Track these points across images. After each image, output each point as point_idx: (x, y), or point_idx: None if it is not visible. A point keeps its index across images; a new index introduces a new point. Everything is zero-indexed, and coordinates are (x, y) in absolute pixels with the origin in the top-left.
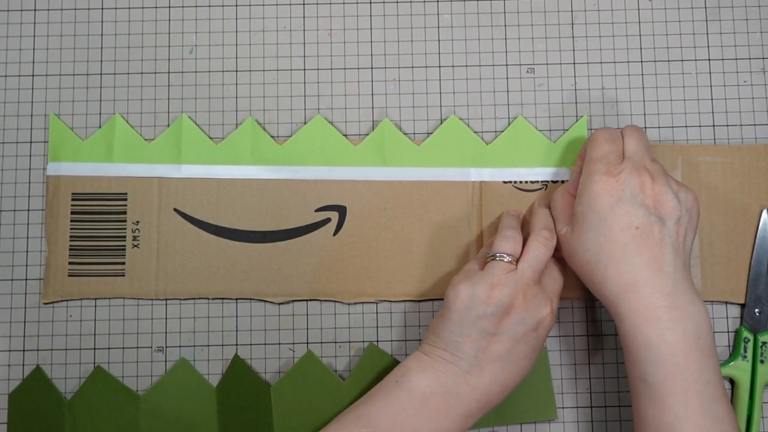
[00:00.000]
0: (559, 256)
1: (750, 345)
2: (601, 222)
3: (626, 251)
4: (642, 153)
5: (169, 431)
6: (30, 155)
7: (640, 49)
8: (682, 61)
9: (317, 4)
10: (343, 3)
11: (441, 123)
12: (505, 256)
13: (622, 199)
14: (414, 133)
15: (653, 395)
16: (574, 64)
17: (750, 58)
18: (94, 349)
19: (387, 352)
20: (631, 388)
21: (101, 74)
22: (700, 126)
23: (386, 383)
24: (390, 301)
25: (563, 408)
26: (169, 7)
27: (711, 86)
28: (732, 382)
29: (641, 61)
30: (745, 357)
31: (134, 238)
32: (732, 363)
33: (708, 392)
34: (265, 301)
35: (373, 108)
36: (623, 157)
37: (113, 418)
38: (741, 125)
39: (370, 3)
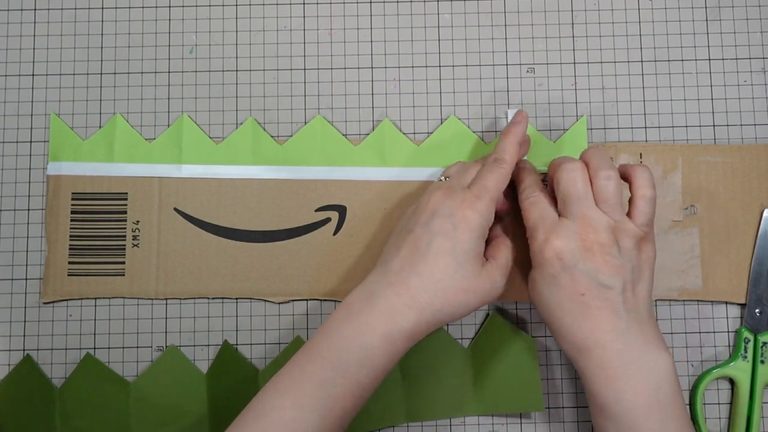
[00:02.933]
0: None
1: (750, 345)
2: (550, 288)
3: (575, 316)
4: (587, 202)
5: (159, 418)
6: (30, 155)
7: (640, 49)
8: (682, 61)
9: (317, 4)
10: (343, 3)
11: (441, 123)
12: (444, 178)
13: (567, 267)
14: (414, 133)
15: None
16: (574, 64)
17: (750, 58)
18: (94, 348)
19: None
20: None
21: (101, 74)
22: (700, 126)
23: None
24: None
25: (563, 408)
26: (169, 7)
27: (711, 86)
28: (732, 382)
29: (641, 61)
30: (746, 357)
31: (134, 238)
32: (732, 363)
33: None
34: (265, 300)
35: (373, 108)
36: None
37: (103, 405)
38: (741, 125)
39: (370, 3)
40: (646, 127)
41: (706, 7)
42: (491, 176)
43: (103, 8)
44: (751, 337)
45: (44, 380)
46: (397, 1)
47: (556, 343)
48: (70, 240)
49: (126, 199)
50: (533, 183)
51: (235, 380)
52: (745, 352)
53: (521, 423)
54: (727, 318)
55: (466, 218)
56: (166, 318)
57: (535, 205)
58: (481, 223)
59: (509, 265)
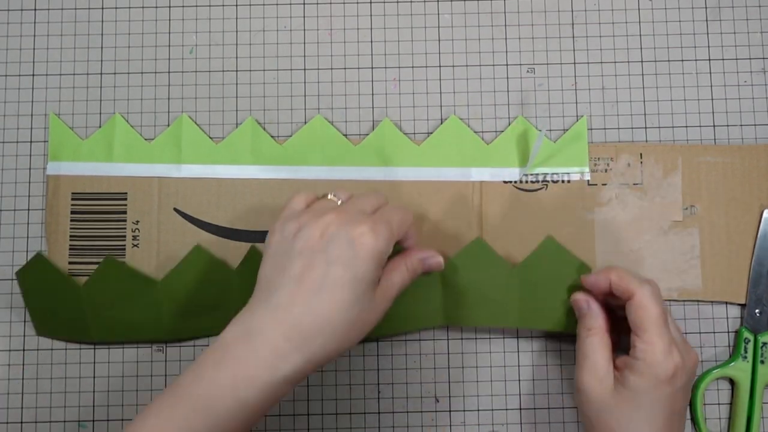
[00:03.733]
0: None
1: (750, 345)
2: (653, 405)
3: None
4: (675, 324)
5: (189, 310)
6: (30, 155)
7: (640, 49)
8: (682, 61)
9: (317, 4)
10: (343, 3)
11: (441, 123)
12: (335, 197)
13: (678, 388)
14: (414, 133)
15: None
16: (574, 64)
17: (750, 58)
18: (94, 349)
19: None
20: None
21: (101, 74)
22: (700, 126)
23: None
24: None
25: (563, 408)
26: (169, 7)
27: (711, 86)
28: (732, 382)
29: (641, 61)
30: (746, 357)
31: (134, 238)
32: (732, 363)
33: None
34: None
35: (373, 108)
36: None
37: (131, 300)
38: (741, 125)
39: (370, 3)
40: (646, 127)
41: (706, 7)
42: (396, 212)
43: (103, 8)
44: (751, 338)
45: (70, 282)
46: (397, 1)
47: None
48: (70, 240)
49: (126, 199)
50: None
51: None
52: (745, 352)
53: (521, 423)
54: (727, 318)
55: (367, 244)
56: None
57: (656, 300)
58: (382, 249)
59: (394, 293)
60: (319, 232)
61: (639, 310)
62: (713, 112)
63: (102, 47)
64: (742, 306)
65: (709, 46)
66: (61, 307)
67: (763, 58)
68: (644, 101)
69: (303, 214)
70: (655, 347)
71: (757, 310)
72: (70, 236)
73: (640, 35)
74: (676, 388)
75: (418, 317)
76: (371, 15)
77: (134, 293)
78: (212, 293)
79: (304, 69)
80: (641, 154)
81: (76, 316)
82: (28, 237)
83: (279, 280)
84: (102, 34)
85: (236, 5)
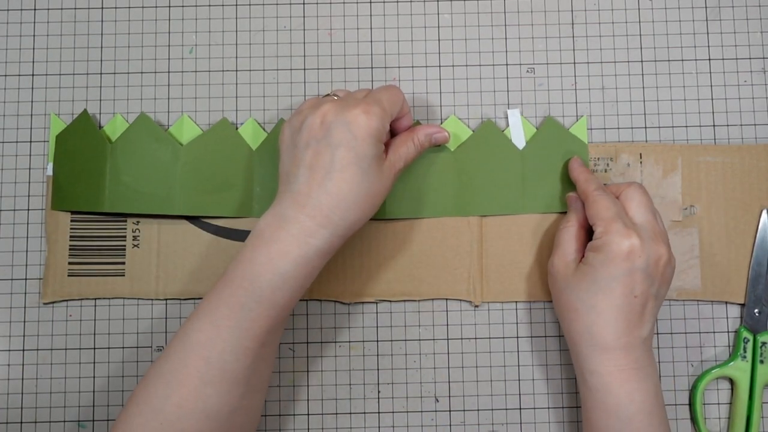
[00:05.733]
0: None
1: (749, 345)
2: (609, 281)
3: (618, 314)
4: (653, 221)
5: (204, 185)
6: (30, 155)
7: (640, 49)
8: (682, 61)
9: (317, 4)
10: (343, 3)
11: (441, 123)
12: (334, 95)
13: (636, 268)
14: None
15: None
16: (574, 64)
17: (750, 58)
18: (94, 348)
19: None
20: None
21: (101, 74)
22: (700, 126)
23: None
24: (390, 301)
25: (563, 408)
26: (169, 6)
27: (711, 86)
28: (731, 382)
29: (641, 61)
30: (745, 357)
31: (134, 238)
32: (731, 363)
33: None
34: None
35: None
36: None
37: (152, 164)
38: (741, 125)
39: (370, 3)
40: (646, 127)
41: (706, 7)
42: (385, 91)
43: (103, 8)
44: (750, 337)
45: (99, 134)
46: (397, 1)
47: (567, 336)
48: (70, 240)
49: None
50: (597, 179)
51: None
52: (745, 351)
53: (521, 423)
54: (726, 318)
55: (362, 124)
56: (166, 318)
57: (608, 197)
58: (378, 126)
59: (401, 166)
60: (319, 120)
61: (589, 209)
62: (713, 112)
63: (102, 47)
64: (742, 306)
65: (709, 46)
66: (86, 170)
67: (763, 58)
68: (644, 101)
69: (305, 109)
70: (611, 227)
71: (756, 310)
72: (70, 236)
73: (640, 35)
74: (634, 267)
75: (432, 203)
76: (371, 15)
77: (157, 154)
78: (230, 170)
79: (304, 69)
80: (641, 154)
81: (96, 183)
82: (27, 237)
83: (295, 171)
84: (102, 34)
85: (236, 5)
